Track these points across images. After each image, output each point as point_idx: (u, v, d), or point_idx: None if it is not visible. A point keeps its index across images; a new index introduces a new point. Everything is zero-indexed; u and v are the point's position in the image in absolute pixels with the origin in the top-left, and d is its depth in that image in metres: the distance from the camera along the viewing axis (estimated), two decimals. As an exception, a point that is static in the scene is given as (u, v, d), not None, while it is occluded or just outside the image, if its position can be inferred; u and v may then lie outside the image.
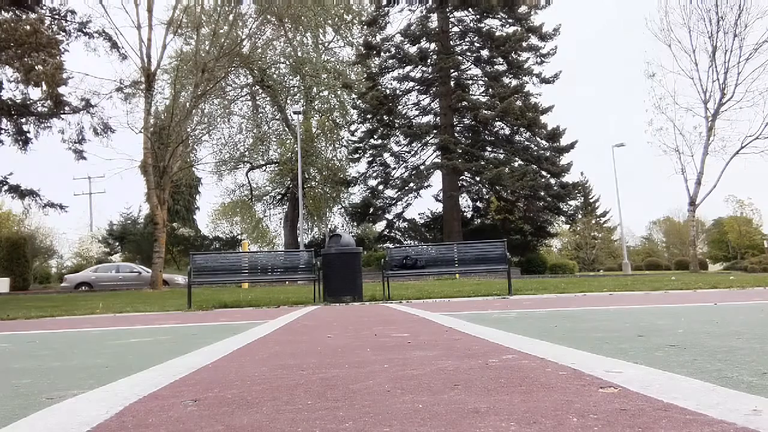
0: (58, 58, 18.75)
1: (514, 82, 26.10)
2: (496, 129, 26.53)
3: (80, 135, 20.48)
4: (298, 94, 30.89)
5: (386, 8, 26.68)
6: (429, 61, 26.42)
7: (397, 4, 26.21)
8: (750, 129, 32.53)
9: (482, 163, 24.97)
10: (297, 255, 9.24)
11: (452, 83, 26.52)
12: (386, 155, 27.63)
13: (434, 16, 26.83)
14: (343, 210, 32.32)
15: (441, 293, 8.15)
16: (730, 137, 33.52)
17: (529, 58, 26.15)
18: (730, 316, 2.51)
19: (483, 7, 25.01)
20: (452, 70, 26.46)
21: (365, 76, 27.89)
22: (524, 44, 25.73)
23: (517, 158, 25.80)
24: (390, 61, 26.94)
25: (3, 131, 19.43)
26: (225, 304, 7.19)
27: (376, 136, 27.30)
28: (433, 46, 26.65)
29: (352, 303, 7.09)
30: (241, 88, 30.65)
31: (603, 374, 1.05)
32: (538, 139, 26.26)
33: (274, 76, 30.23)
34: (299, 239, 27.57)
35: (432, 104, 27.80)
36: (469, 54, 27.17)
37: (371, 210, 27.83)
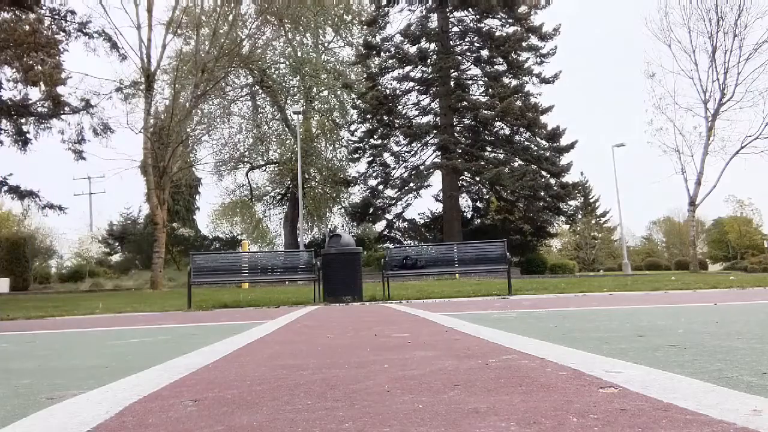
0: (56, 57, 18.75)
1: (514, 82, 26.12)
2: (496, 129, 26.54)
3: (80, 135, 20.49)
4: (298, 94, 30.89)
5: (386, 8, 26.69)
6: (429, 61, 26.44)
7: (397, 4, 26.23)
8: (750, 129, 32.51)
9: (482, 163, 24.98)
10: (297, 255, 9.25)
11: (452, 83, 26.53)
12: (386, 155, 27.65)
13: (434, 16, 26.84)
14: (343, 210, 32.33)
15: (441, 293, 8.15)
16: (730, 137, 33.47)
17: (529, 58, 26.17)
18: (730, 316, 2.51)
19: (483, 7, 25.02)
20: (452, 70, 26.47)
21: (365, 76, 27.91)
22: (524, 44, 25.75)
23: (517, 158, 25.81)
24: (390, 61, 26.96)
25: (3, 132, 19.44)
26: (225, 304, 7.19)
27: (376, 136, 27.31)
28: (433, 46, 26.66)
29: (352, 303, 7.09)
30: (241, 88, 30.66)
31: (603, 374, 1.05)
32: (538, 139, 26.27)
33: (274, 76, 30.25)
34: (299, 239, 27.57)
35: (432, 104, 27.81)
36: (469, 54, 27.18)
37: (371, 210, 27.85)
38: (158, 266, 19.49)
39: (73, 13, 19.34)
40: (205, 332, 2.83)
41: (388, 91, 26.91)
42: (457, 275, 14.59)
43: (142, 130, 19.59)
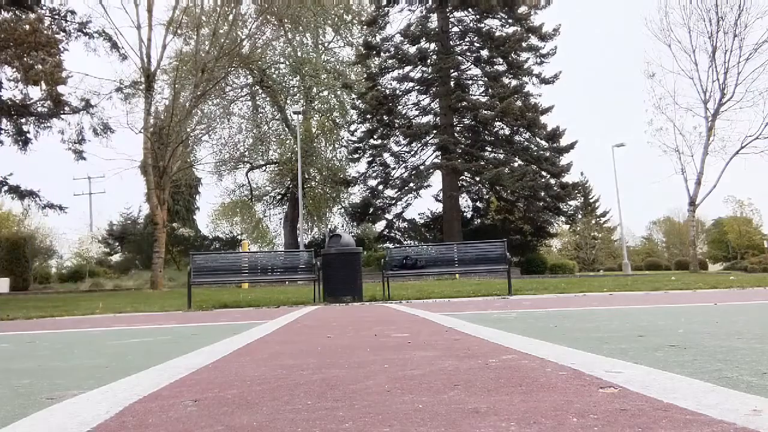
0: (57, 57, 18.75)
1: (514, 83, 26.12)
2: (495, 129, 26.55)
3: (80, 135, 20.49)
4: (298, 94, 30.90)
5: (386, 8, 26.69)
6: (429, 61, 26.44)
7: (397, 4, 26.23)
8: (750, 129, 32.53)
9: (482, 163, 24.99)
10: (297, 255, 9.24)
11: (452, 83, 26.53)
12: (386, 155, 27.65)
13: (434, 16, 26.85)
14: (343, 210, 32.34)
15: (441, 293, 8.15)
16: (730, 137, 33.45)
17: (528, 58, 26.18)
18: (730, 316, 2.51)
19: (483, 7, 25.03)
20: (452, 70, 26.47)
21: (365, 76, 27.92)
22: (524, 44, 25.76)
23: (516, 158, 25.83)
24: (390, 61, 26.96)
25: (3, 131, 19.44)
26: (225, 304, 7.19)
27: (375, 136, 27.32)
28: (432, 46, 26.67)
29: (352, 303, 7.09)
30: (241, 88, 30.66)
31: (603, 374, 1.05)
32: (537, 139, 26.29)
33: (274, 76, 30.25)
34: (299, 239, 27.58)
35: (432, 104, 27.81)
36: (468, 54, 27.19)
37: (371, 210, 27.85)
38: (158, 266, 19.50)
39: (73, 13, 19.35)
40: (205, 332, 2.83)
41: (388, 91, 26.91)
42: (457, 275, 14.59)
43: (142, 130, 19.60)
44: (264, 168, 33.40)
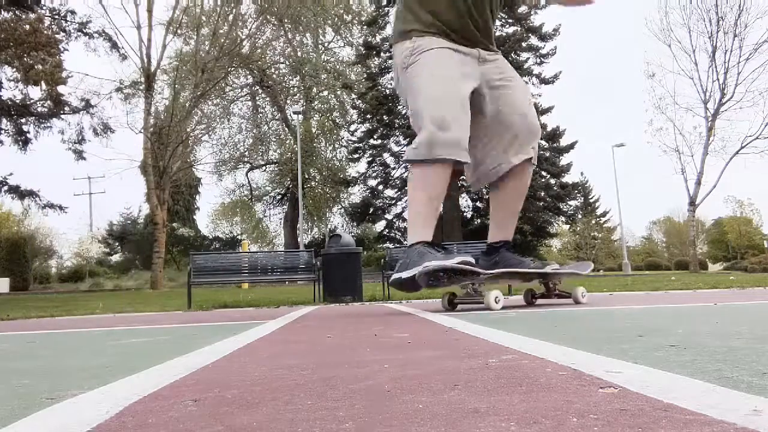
0: (57, 57, 18.77)
1: (514, 82, 26.15)
2: (496, 129, 26.57)
3: (80, 135, 20.53)
4: (298, 94, 30.94)
5: (386, 8, 26.71)
6: (429, 61, 26.46)
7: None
8: (750, 129, 32.55)
9: (482, 163, 25.03)
10: (297, 255, 9.25)
11: (452, 83, 26.55)
12: (386, 155, 27.68)
13: (434, 16, 26.88)
14: (343, 210, 32.38)
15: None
16: (730, 137, 33.54)
17: (528, 58, 26.20)
18: (730, 317, 2.51)
19: (483, 7, 25.04)
20: (452, 70, 26.48)
21: (365, 76, 27.94)
22: (524, 44, 25.78)
23: (517, 158, 25.85)
24: (390, 61, 26.98)
25: (3, 131, 19.45)
26: (225, 304, 7.18)
27: (375, 136, 27.34)
28: (433, 46, 26.69)
29: (352, 303, 7.09)
30: (241, 88, 30.69)
31: (603, 374, 1.05)
32: (537, 139, 26.33)
33: (274, 76, 30.28)
34: (299, 239, 27.60)
35: (432, 104, 27.83)
36: (469, 54, 27.22)
37: (371, 210, 27.88)
38: (158, 266, 19.52)
39: (73, 13, 19.37)
40: (205, 332, 2.83)
41: (388, 91, 26.93)
42: (457, 275, 14.59)
43: (142, 130, 19.62)
44: (264, 168, 33.43)
